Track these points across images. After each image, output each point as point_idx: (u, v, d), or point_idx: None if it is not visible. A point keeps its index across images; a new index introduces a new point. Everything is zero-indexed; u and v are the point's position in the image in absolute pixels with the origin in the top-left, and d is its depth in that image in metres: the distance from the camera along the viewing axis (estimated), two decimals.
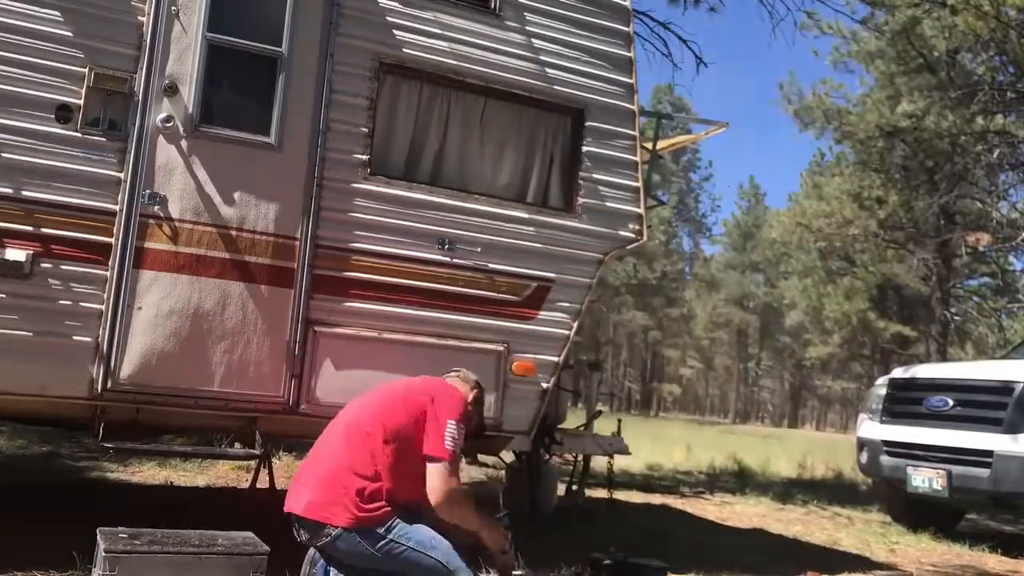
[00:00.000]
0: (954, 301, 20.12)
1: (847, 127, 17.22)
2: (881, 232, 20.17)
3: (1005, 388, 6.38)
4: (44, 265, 3.62)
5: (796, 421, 58.42)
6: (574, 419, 6.48)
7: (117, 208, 3.75)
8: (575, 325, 4.71)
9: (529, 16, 4.63)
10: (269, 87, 4.02)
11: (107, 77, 3.74)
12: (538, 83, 4.62)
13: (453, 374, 3.44)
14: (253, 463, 5.77)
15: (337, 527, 2.95)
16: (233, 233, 3.92)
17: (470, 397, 3.34)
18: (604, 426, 6.39)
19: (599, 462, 6.80)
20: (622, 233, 4.83)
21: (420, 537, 2.99)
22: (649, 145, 5.84)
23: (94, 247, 3.71)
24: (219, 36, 3.94)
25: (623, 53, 4.84)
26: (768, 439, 23.80)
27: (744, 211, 54.19)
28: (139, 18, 3.83)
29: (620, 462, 7.84)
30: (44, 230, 3.63)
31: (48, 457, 7.01)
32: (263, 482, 5.43)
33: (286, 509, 3.08)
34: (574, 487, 6.27)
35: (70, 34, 3.70)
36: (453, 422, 3.10)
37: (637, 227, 4.85)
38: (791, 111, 17.96)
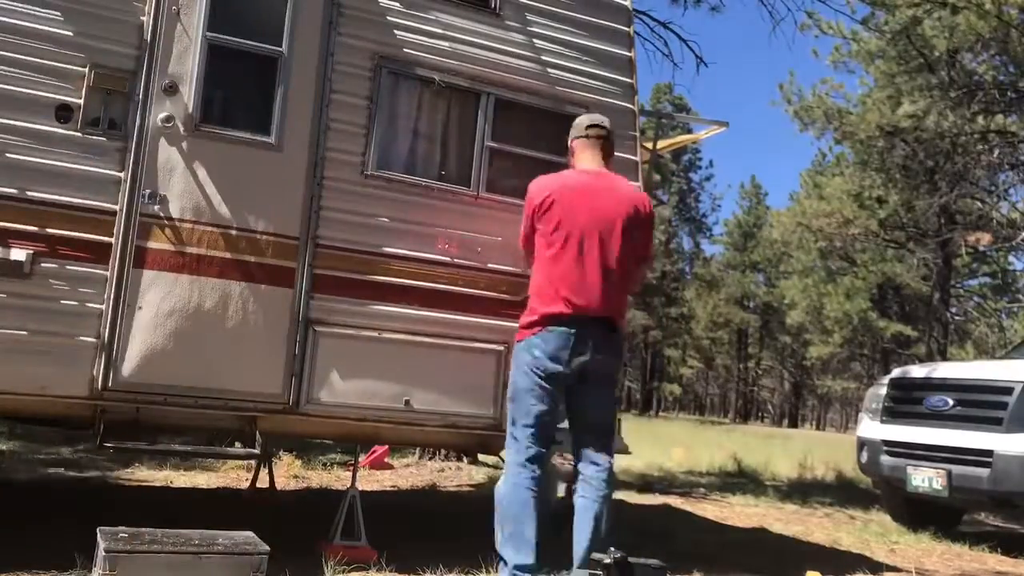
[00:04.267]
0: (954, 301, 20.14)
1: (847, 127, 17.21)
2: (881, 232, 20.20)
3: (1005, 388, 6.37)
4: (44, 265, 3.62)
5: (796, 421, 58.42)
6: None
7: (117, 208, 3.75)
8: None
9: (529, 16, 4.63)
10: (269, 87, 4.02)
11: (107, 77, 3.74)
12: (538, 83, 4.62)
13: None
14: (253, 463, 5.77)
15: None
16: (233, 233, 3.92)
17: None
18: None
19: None
20: None
21: None
22: (649, 145, 5.84)
23: (94, 247, 3.71)
24: (219, 36, 3.94)
25: (623, 53, 4.85)
26: (768, 439, 23.79)
27: (744, 211, 54.15)
28: (139, 18, 3.83)
29: (620, 462, 7.83)
30: (44, 230, 3.63)
31: (48, 457, 7.01)
32: (263, 482, 5.43)
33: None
34: (574, 487, 6.26)
35: (70, 34, 3.70)
36: None
37: None
38: (791, 111, 17.93)
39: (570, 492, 6.23)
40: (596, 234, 3.56)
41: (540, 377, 3.53)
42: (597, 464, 3.58)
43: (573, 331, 3.50)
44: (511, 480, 3.51)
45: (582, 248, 3.54)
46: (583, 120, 3.90)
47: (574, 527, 3.52)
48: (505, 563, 3.43)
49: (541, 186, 3.70)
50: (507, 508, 3.48)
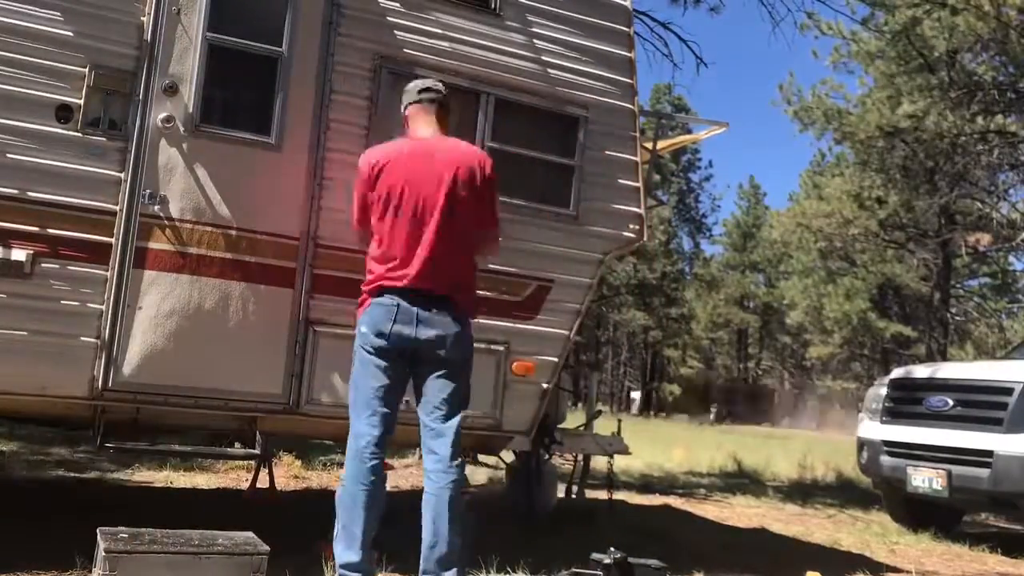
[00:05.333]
0: (954, 301, 20.15)
1: (847, 128, 17.21)
2: (881, 232, 20.20)
3: (1005, 388, 6.37)
4: (44, 265, 3.62)
5: (796, 421, 58.36)
6: (574, 419, 6.48)
7: (117, 208, 3.75)
8: (575, 325, 4.71)
9: (529, 16, 4.63)
10: (269, 87, 4.03)
11: (107, 77, 3.74)
12: (538, 83, 4.62)
13: None
14: (253, 463, 5.77)
15: None
16: (233, 233, 3.92)
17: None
18: (604, 426, 6.39)
19: (599, 462, 6.80)
20: (622, 233, 4.83)
21: None
22: (649, 145, 5.84)
23: (94, 247, 3.71)
24: (219, 36, 3.94)
25: (623, 53, 4.85)
26: (768, 439, 23.79)
27: (744, 211, 54.14)
28: (139, 18, 3.83)
29: (620, 462, 7.84)
30: (44, 230, 3.63)
31: (48, 457, 7.01)
32: (263, 482, 5.43)
33: None
34: (574, 487, 6.27)
35: (70, 34, 3.70)
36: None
37: (637, 227, 4.85)
38: (791, 112, 17.94)
39: (570, 492, 6.25)
40: (427, 203, 3.30)
41: (369, 354, 3.30)
42: (435, 454, 3.28)
43: (396, 304, 3.26)
44: (345, 472, 3.28)
45: (412, 218, 3.29)
46: (415, 84, 3.59)
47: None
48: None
49: (369, 157, 3.44)
50: (339, 501, 3.24)
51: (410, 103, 3.54)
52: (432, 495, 3.21)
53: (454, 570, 3.15)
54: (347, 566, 3.17)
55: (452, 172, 3.34)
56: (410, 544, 3.27)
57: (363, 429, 3.27)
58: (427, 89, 3.54)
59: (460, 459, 3.30)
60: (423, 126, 3.50)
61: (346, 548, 3.19)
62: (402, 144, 3.47)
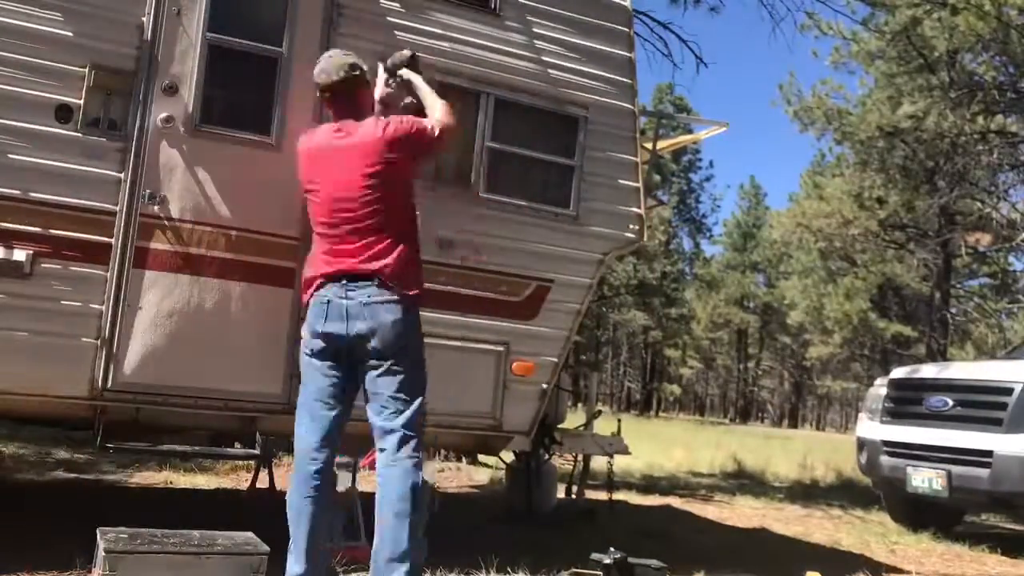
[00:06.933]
0: (954, 301, 20.11)
1: (847, 128, 17.20)
2: (881, 232, 20.16)
3: (1005, 388, 6.38)
4: (44, 265, 3.62)
5: (796, 421, 58.41)
6: (574, 419, 6.48)
7: (117, 208, 3.75)
8: (575, 325, 4.71)
9: (529, 16, 4.63)
10: (269, 87, 4.03)
11: (107, 77, 3.74)
12: (538, 83, 4.62)
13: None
14: (253, 463, 5.77)
15: None
16: (233, 233, 3.92)
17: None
18: (604, 426, 6.39)
19: (599, 462, 6.80)
20: (622, 233, 4.83)
21: None
22: (649, 145, 5.84)
23: (94, 247, 3.71)
24: (219, 36, 3.94)
25: (623, 53, 4.84)
26: (768, 439, 23.79)
27: (744, 211, 54.17)
28: (139, 18, 3.83)
29: (620, 462, 7.84)
30: (44, 230, 3.62)
31: (48, 457, 7.01)
32: (263, 482, 5.43)
33: None
34: (574, 487, 6.27)
35: (70, 34, 3.70)
36: None
37: (637, 227, 4.85)
38: (791, 112, 17.92)
39: (570, 492, 6.25)
40: (344, 190, 3.21)
41: (308, 356, 3.23)
42: (383, 450, 3.15)
43: (327, 299, 3.16)
44: (290, 480, 3.18)
45: (335, 208, 3.21)
46: (314, 72, 3.43)
47: None
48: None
49: (298, 147, 3.44)
50: (288, 512, 3.15)
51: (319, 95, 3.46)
52: (383, 496, 3.07)
53: (403, 568, 2.97)
54: None
55: (352, 161, 3.22)
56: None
57: (299, 439, 3.16)
58: (320, 85, 3.39)
59: (414, 456, 3.12)
60: (334, 113, 3.41)
61: (294, 560, 3.08)
62: (317, 136, 3.41)
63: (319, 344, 3.18)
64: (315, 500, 3.09)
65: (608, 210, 4.78)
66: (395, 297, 3.15)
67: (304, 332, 3.27)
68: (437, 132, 3.35)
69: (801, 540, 6.30)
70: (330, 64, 3.38)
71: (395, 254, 3.19)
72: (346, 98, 3.36)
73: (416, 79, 3.64)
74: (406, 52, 3.74)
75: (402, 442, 3.10)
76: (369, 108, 3.47)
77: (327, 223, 3.24)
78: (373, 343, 3.12)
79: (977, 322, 21.16)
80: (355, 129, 3.29)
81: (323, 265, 3.21)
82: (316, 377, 3.19)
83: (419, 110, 3.55)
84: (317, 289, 3.21)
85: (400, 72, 3.67)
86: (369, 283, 3.14)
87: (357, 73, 3.37)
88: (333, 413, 3.18)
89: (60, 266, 3.65)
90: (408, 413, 3.14)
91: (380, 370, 3.15)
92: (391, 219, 3.22)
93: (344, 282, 3.15)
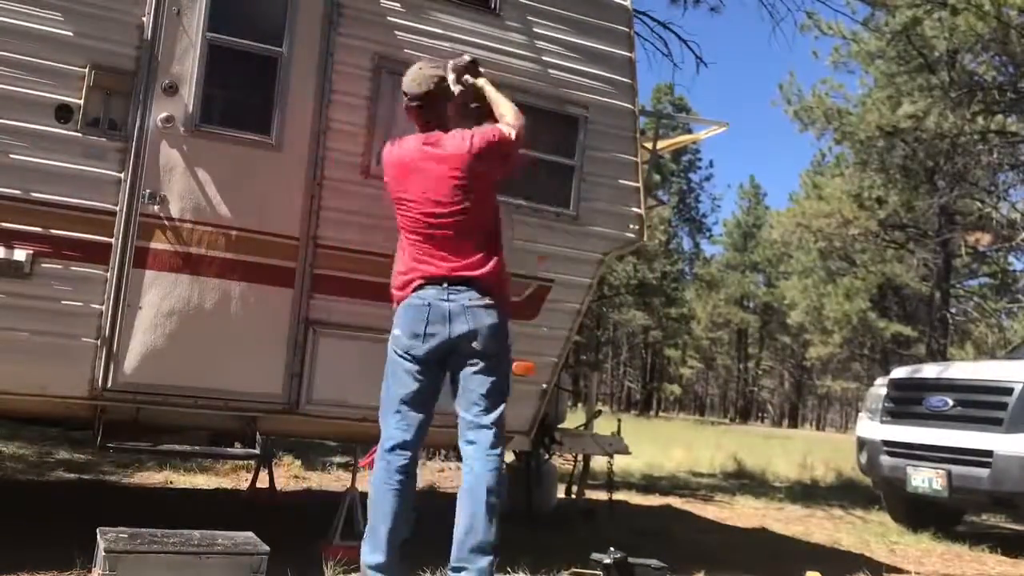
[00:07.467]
0: (954, 301, 20.11)
1: (847, 127, 17.20)
2: (881, 232, 20.17)
3: (1005, 388, 6.38)
4: (44, 265, 3.62)
5: (796, 421, 58.42)
6: (574, 419, 6.48)
7: (117, 208, 3.75)
8: (575, 325, 4.71)
9: (529, 16, 4.63)
10: (269, 87, 4.02)
11: (107, 77, 3.74)
12: (538, 83, 4.62)
13: None
14: (253, 463, 5.77)
15: None
16: (233, 233, 3.92)
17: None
18: (604, 426, 6.39)
19: (599, 462, 6.80)
20: (622, 233, 4.83)
21: None
22: (649, 145, 5.84)
23: (94, 247, 3.71)
24: (219, 36, 3.94)
25: (623, 53, 4.84)
26: (768, 439, 23.80)
27: (744, 211, 54.17)
28: (139, 18, 3.83)
29: (620, 462, 7.84)
30: (44, 230, 3.62)
31: (48, 457, 7.01)
32: (263, 482, 5.43)
33: None
34: (574, 487, 6.27)
35: (70, 34, 3.70)
36: None
37: (637, 227, 4.85)
38: (791, 112, 17.92)
39: (570, 492, 6.25)
40: (437, 196, 3.37)
41: (400, 357, 3.36)
42: (472, 443, 3.31)
43: (427, 302, 3.32)
44: (373, 473, 3.33)
45: (432, 214, 3.37)
46: (404, 83, 3.57)
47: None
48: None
49: (383, 154, 3.60)
50: (369, 502, 3.29)
51: (405, 104, 3.59)
52: (468, 486, 3.22)
53: (488, 559, 3.14)
54: (373, 567, 3.21)
55: (443, 170, 3.38)
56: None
57: (390, 432, 3.31)
58: (408, 94, 3.54)
59: (498, 455, 3.31)
60: (419, 125, 3.56)
61: (372, 549, 3.23)
62: (403, 145, 3.54)
63: (416, 345, 3.32)
64: (400, 493, 3.24)
65: (608, 210, 4.78)
66: (492, 302, 3.36)
67: (397, 332, 3.39)
68: (515, 136, 3.53)
69: (801, 540, 6.30)
70: (421, 75, 3.52)
71: (492, 262, 3.41)
72: (434, 109, 3.52)
73: (484, 84, 3.76)
74: (466, 57, 3.81)
75: (492, 439, 3.30)
76: (451, 118, 3.60)
77: (421, 232, 3.40)
78: (472, 344, 3.31)
79: (977, 322, 21.15)
80: (443, 141, 3.46)
81: (419, 269, 3.38)
82: (407, 380, 3.35)
83: (480, 115, 3.70)
84: (415, 290, 3.36)
85: (465, 78, 3.73)
86: (468, 288, 3.33)
87: (445, 85, 3.57)
88: (421, 416, 3.35)
89: (60, 266, 3.65)
90: (497, 412, 3.35)
91: (475, 368, 3.34)
92: (483, 226, 3.43)
93: (445, 286, 3.32)
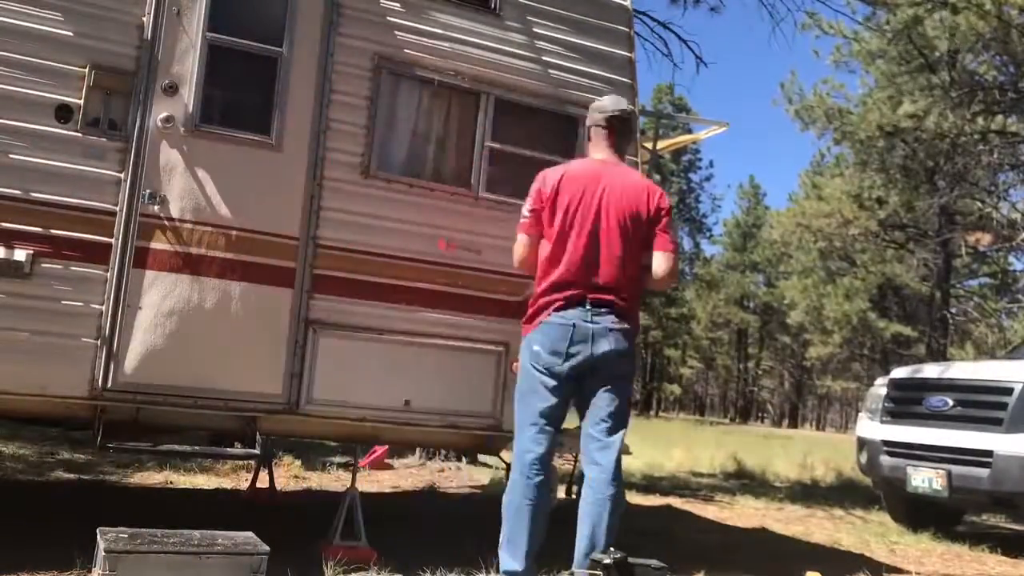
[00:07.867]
0: (954, 301, 20.10)
1: (847, 127, 17.20)
2: (881, 232, 20.17)
3: (1005, 388, 6.37)
4: (44, 265, 3.62)
5: (796, 421, 58.42)
6: (574, 419, 6.47)
7: (117, 208, 3.75)
8: None
9: (529, 16, 4.63)
10: (269, 87, 4.02)
11: (107, 77, 3.74)
12: (538, 83, 4.62)
13: None
14: (253, 463, 5.77)
15: None
16: (233, 233, 3.92)
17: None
18: None
19: None
20: None
21: None
22: (649, 145, 5.84)
23: (94, 247, 3.71)
24: (219, 36, 3.94)
25: (623, 53, 4.84)
26: (768, 439, 23.80)
27: (744, 211, 54.16)
28: (139, 18, 3.83)
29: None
30: (44, 230, 3.62)
31: (48, 457, 7.01)
32: (263, 482, 5.43)
33: None
34: (574, 487, 6.26)
35: (70, 34, 3.70)
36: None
37: None
38: (792, 111, 17.92)
39: (570, 491, 6.25)
40: (601, 222, 3.54)
41: (540, 373, 3.52)
42: (599, 465, 3.50)
43: (572, 323, 3.47)
44: (510, 484, 3.50)
45: (589, 238, 3.53)
46: (596, 105, 3.85)
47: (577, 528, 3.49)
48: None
49: (547, 176, 3.71)
50: (505, 511, 3.48)
51: (591, 125, 3.80)
52: (593, 504, 3.42)
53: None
54: (509, 573, 3.39)
55: (633, 199, 3.57)
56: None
57: (526, 449, 3.48)
58: (603, 111, 3.75)
59: (621, 476, 3.51)
60: (599, 149, 3.77)
61: (511, 557, 3.42)
62: (578, 166, 3.75)
63: (558, 363, 3.48)
64: (537, 506, 3.44)
65: None
66: (628, 327, 3.56)
67: (538, 348, 3.53)
68: (670, 269, 3.67)
69: (801, 540, 6.30)
70: (618, 101, 3.83)
71: (632, 291, 3.61)
72: (619, 134, 3.77)
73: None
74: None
75: (616, 458, 3.49)
76: (623, 153, 3.84)
77: (575, 250, 3.53)
78: (609, 364, 3.50)
79: (977, 322, 21.13)
80: (622, 173, 3.69)
81: (566, 287, 3.51)
82: (545, 396, 3.52)
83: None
84: (558, 310, 3.50)
85: None
86: (610, 311, 3.50)
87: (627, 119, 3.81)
88: (554, 432, 3.55)
89: (60, 266, 3.65)
90: (621, 433, 3.55)
91: (606, 387, 3.53)
92: (632, 261, 3.59)
93: (588, 307, 3.48)
